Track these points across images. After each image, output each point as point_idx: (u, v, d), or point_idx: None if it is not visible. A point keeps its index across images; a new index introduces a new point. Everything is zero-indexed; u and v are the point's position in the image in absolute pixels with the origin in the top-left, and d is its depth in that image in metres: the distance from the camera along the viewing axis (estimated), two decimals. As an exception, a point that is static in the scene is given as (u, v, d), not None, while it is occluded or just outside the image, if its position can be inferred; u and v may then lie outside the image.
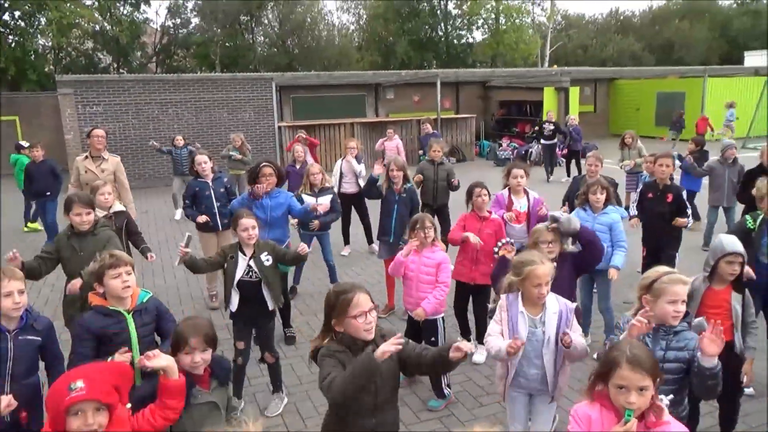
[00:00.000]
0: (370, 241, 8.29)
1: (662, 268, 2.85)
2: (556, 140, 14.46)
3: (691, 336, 2.70)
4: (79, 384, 2.01)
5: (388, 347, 2.30)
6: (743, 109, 19.88)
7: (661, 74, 23.52)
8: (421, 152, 11.41)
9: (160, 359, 2.38)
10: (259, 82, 16.09)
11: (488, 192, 5.01)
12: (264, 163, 5.43)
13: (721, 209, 7.92)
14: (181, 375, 2.45)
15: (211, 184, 6.18)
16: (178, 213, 10.47)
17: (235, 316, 4.25)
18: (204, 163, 6.21)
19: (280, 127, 16.38)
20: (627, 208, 9.46)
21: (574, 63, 36.04)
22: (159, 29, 30.53)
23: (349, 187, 8.03)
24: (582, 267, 3.71)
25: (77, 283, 3.66)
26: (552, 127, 14.27)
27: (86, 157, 6.66)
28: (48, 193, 8.79)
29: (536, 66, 32.70)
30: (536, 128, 15.32)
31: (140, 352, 2.89)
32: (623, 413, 2.08)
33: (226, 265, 4.17)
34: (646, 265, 5.69)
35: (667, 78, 22.98)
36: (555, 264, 3.39)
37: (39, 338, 2.99)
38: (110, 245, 3.99)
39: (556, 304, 3.10)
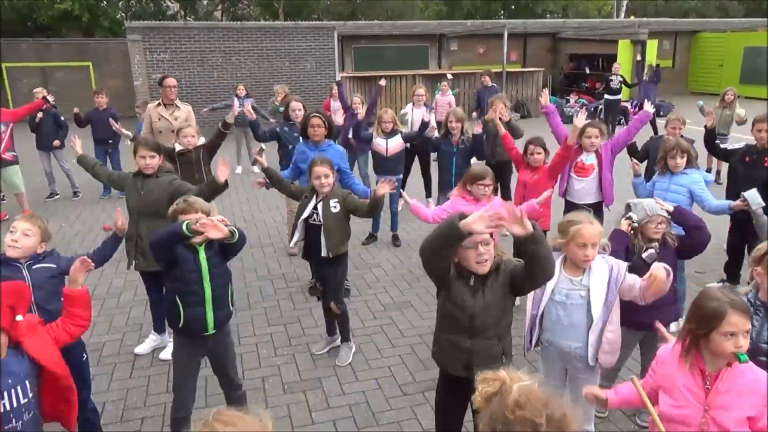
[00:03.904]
0: (428, 195, 8.13)
1: None
2: (620, 96, 13.63)
3: None
4: None
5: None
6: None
7: (750, 27, 21.65)
8: (475, 113, 10.97)
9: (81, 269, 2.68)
10: (321, 31, 15.91)
11: (544, 149, 4.85)
12: (313, 114, 5.28)
13: None
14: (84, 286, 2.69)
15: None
16: (239, 168, 10.61)
17: (307, 258, 4.35)
18: (298, 110, 6.11)
19: (341, 78, 16.23)
20: (709, 170, 8.75)
21: (653, 14, 33.72)
22: (225, -24, 30.51)
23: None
24: (685, 253, 3.43)
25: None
26: (620, 79, 13.40)
27: (159, 104, 6.73)
28: (110, 141, 8.95)
29: (611, 17, 30.79)
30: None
31: (210, 284, 3.04)
32: (735, 359, 2.05)
33: (300, 203, 4.19)
34: (730, 243, 5.22)
35: (756, 31, 21.15)
36: (657, 246, 3.23)
37: (54, 265, 3.10)
38: (180, 190, 3.98)
39: (604, 265, 2.81)
